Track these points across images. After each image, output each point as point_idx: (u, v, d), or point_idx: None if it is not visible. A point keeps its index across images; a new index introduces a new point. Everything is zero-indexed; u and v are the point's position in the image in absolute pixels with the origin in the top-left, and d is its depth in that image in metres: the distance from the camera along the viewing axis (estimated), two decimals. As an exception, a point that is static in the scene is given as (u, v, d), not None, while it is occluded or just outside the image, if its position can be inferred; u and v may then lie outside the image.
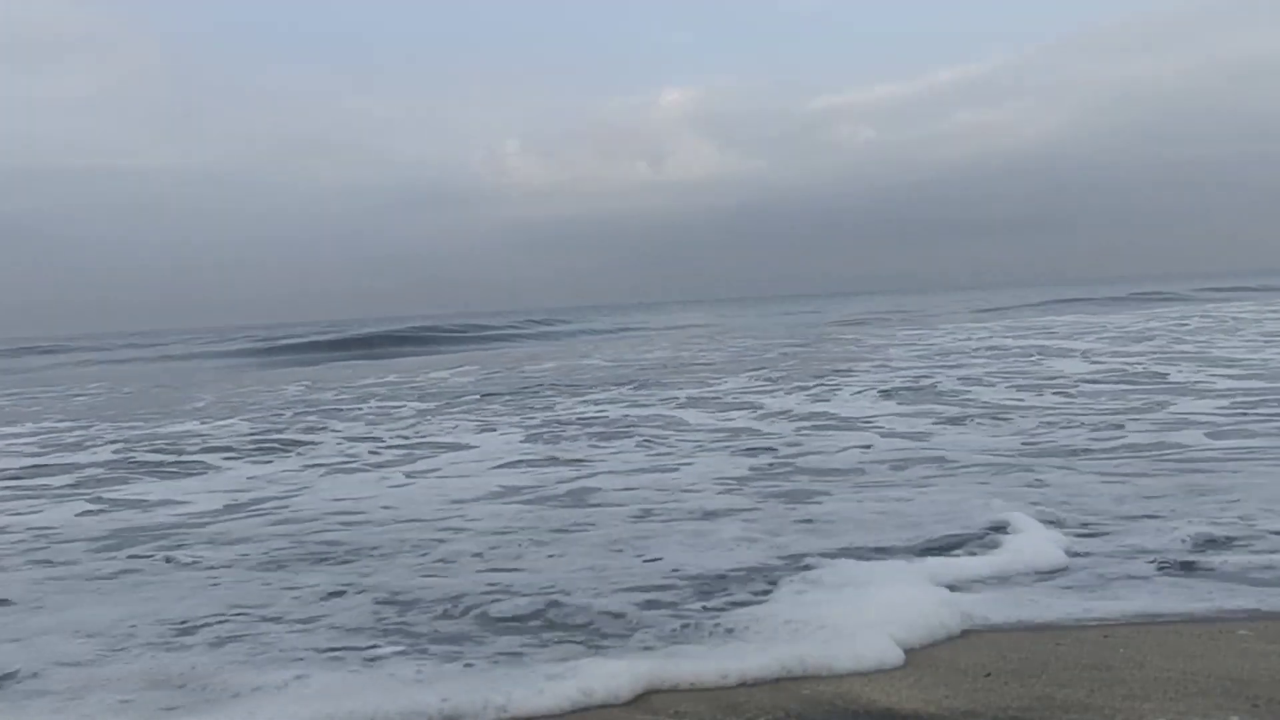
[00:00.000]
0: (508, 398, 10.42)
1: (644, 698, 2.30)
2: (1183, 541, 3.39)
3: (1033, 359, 11.62)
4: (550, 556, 3.70)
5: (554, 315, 48.92)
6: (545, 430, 7.59)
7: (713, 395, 9.50)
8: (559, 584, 3.27)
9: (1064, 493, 4.30)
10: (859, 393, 8.91)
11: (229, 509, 5.13)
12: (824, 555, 3.47)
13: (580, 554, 3.71)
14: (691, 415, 8.03)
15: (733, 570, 3.37)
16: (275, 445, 7.51)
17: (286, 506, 5.09)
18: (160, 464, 6.87)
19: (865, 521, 4.00)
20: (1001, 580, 3.12)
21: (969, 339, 16.56)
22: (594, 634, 2.78)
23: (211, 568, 3.80)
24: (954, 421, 6.86)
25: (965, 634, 2.65)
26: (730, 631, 2.69)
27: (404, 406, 10.17)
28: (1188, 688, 2.16)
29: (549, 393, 10.77)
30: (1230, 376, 8.48)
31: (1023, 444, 5.79)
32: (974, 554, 3.42)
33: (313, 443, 7.55)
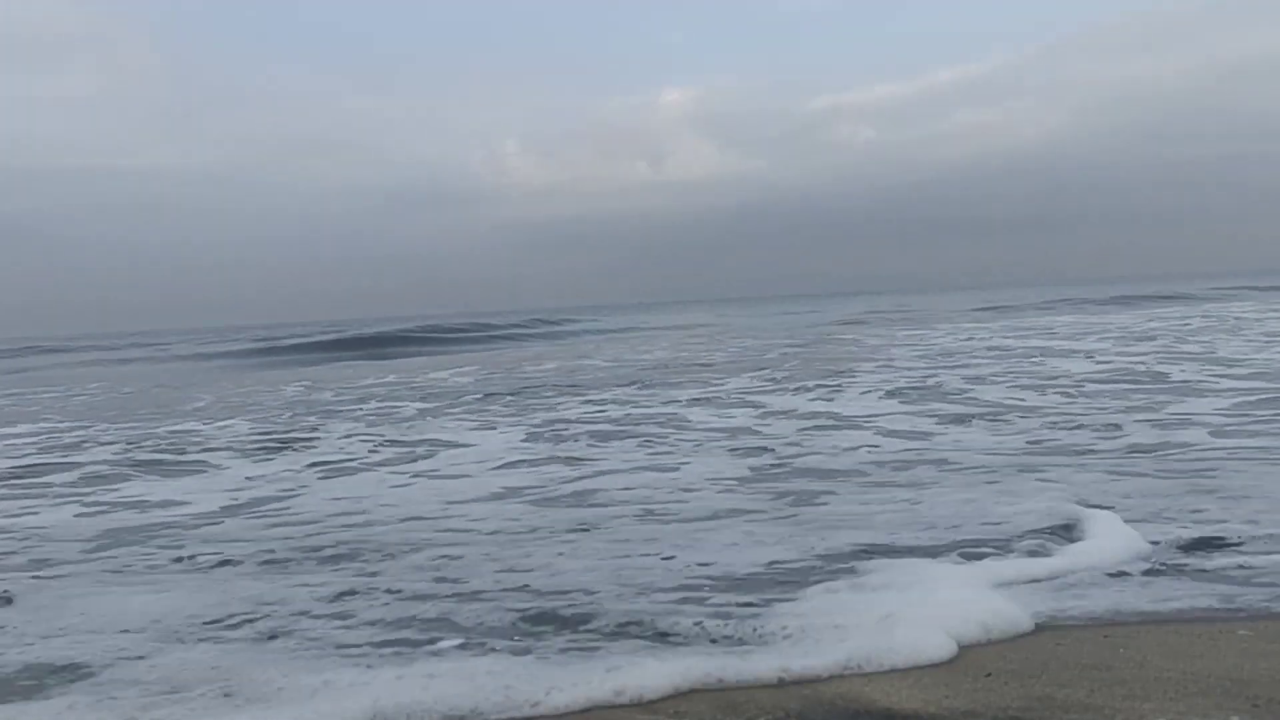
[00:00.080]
0: (508, 398, 10.42)
1: (639, 697, 2.30)
2: (1184, 541, 3.39)
3: (1035, 359, 11.61)
4: (561, 555, 3.69)
5: (554, 315, 48.90)
6: (546, 430, 7.59)
7: (715, 395, 9.50)
8: (580, 583, 3.25)
9: (1067, 493, 4.30)
10: (865, 392, 8.91)
11: (231, 509, 5.13)
12: (851, 554, 3.46)
13: (592, 553, 3.69)
14: (694, 414, 8.03)
15: (755, 569, 3.34)
16: (276, 445, 7.51)
17: (288, 508, 5.09)
18: (161, 463, 6.88)
19: (881, 520, 3.98)
20: (1052, 580, 3.06)
21: (970, 339, 16.55)
22: (627, 632, 2.75)
23: (220, 565, 3.81)
24: (959, 420, 6.87)
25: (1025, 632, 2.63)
26: (769, 630, 2.66)
27: (405, 406, 10.17)
28: (1188, 688, 2.16)
29: (550, 393, 10.77)
30: (1233, 376, 8.48)
31: (1027, 443, 5.79)
32: (1014, 554, 3.38)
33: (313, 443, 7.55)
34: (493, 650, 2.63)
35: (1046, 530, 3.63)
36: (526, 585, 3.28)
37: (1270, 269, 74.50)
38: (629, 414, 8.33)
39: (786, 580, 3.20)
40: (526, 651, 2.61)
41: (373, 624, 2.93)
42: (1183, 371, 9.16)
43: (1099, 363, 10.68)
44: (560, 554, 3.70)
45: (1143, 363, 10.32)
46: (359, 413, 9.77)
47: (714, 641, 2.62)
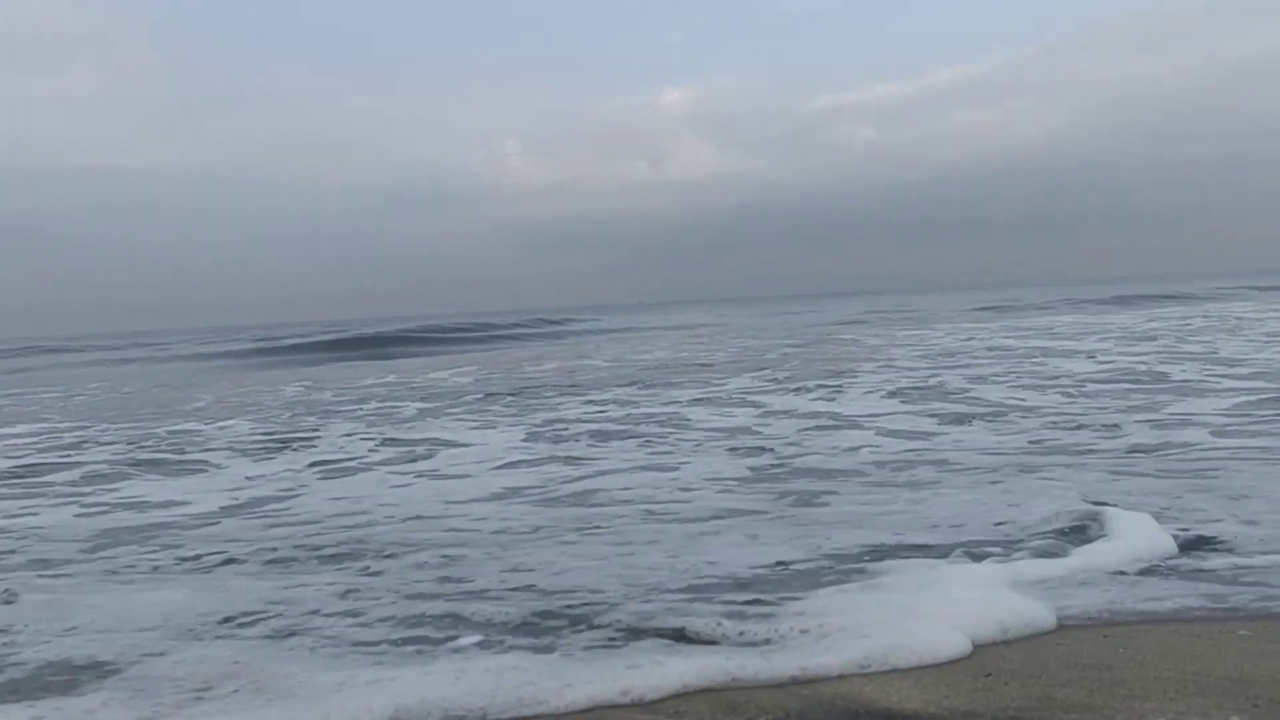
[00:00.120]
0: (509, 398, 10.42)
1: (640, 697, 2.30)
2: (1184, 541, 3.39)
3: (1036, 359, 11.62)
4: (565, 555, 3.68)
5: (554, 315, 48.88)
6: (547, 430, 7.59)
7: (716, 395, 9.50)
8: (586, 583, 3.24)
9: (1069, 492, 4.30)
10: (867, 393, 8.91)
11: (231, 509, 5.14)
12: (860, 554, 3.45)
13: (596, 553, 3.69)
14: (695, 414, 8.03)
15: (763, 569, 3.33)
16: (276, 445, 7.52)
17: (289, 508, 5.10)
18: (161, 463, 6.88)
19: (886, 520, 3.98)
20: (1065, 579, 3.05)
21: (971, 339, 16.56)
22: (643, 631, 2.73)
23: (224, 565, 3.82)
24: (961, 420, 6.87)
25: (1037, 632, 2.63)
26: (783, 631, 2.65)
27: (405, 406, 10.17)
28: (1188, 688, 2.16)
29: (550, 393, 10.77)
30: (1234, 376, 8.48)
31: (1029, 442, 5.79)
32: (1023, 553, 3.36)
33: (314, 443, 7.55)
34: (514, 648, 2.63)
35: (1054, 530, 3.63)
36: (532, 585, 3.27)
37: (1270, 269, 74.51)
38: (629, 414, 8.33)
39: (796, 580, 3.19)
40: (549, 649, 2.61)
41: (384, 621, 2.92)
42: (1183, 371, 9.16)
43: (1100, 363, 10.68)
44: (564, 554, 3.69)
45: (1144, 363, 10.32)
46: (359, 413, 9.78)
47: (731, 642, 2.61)
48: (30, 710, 2.34)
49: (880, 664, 2.39)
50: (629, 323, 41.00)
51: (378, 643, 2.73)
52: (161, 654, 2.71)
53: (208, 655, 2.68)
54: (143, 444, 7.94)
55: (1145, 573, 3.08)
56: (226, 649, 2.73)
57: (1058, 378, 9.28)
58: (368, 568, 3.64)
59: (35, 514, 5.23)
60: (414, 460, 6.48)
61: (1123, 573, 3.09)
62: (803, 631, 2.62)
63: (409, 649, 2.67)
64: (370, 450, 7.01)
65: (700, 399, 9.20)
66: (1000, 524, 3.78)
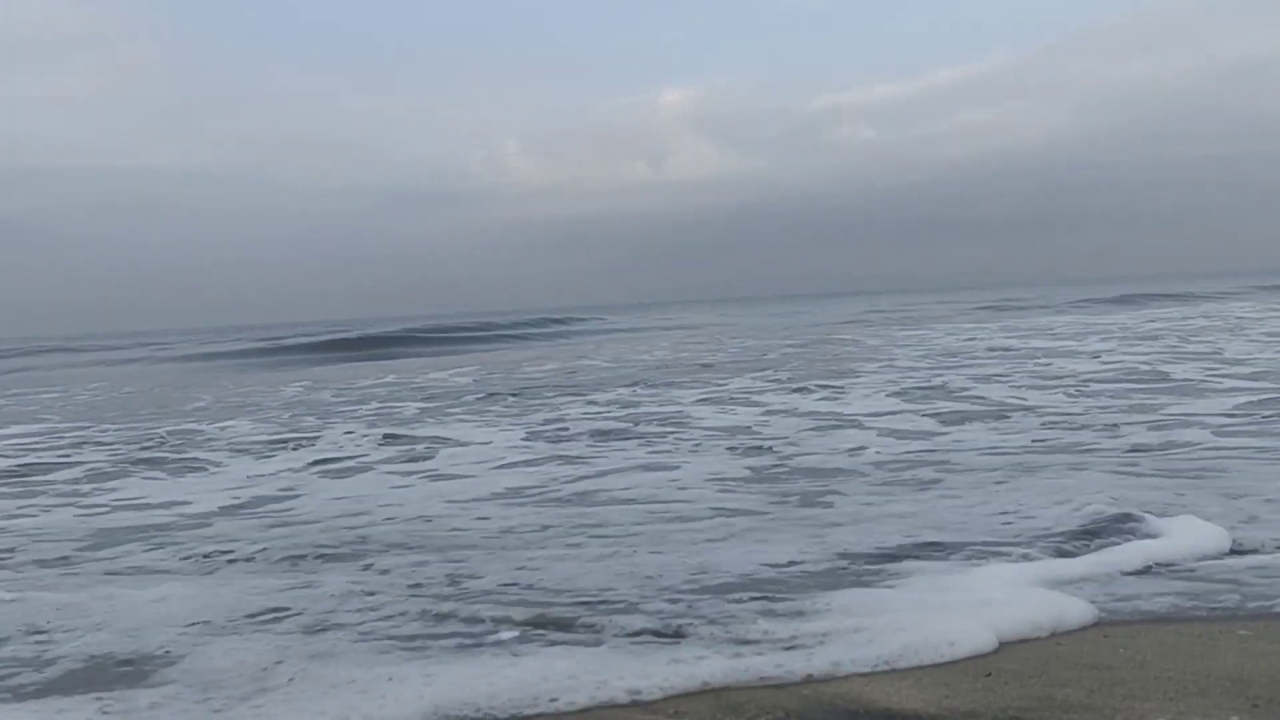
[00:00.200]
0: (509, 398, 10.42)
1: (636, 696, 2.30)
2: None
3: (1037, 359, 11.62)
4: (568, 555, 3.68)
5: (554, 315, 48.86)
6: (547, 430, 7.59)
7: (717, 395, 9.50)
8: (595, 583, 3.23)
9: (1070, 491, 4.30)
10: (868, 394, 8.91)
11: (232, 508, 5.14)
12: (872, 554, 3.45)
13: (597, 553, 3.68)
14: (697, 414, 8.03)
15: (776, 569, 3.32)
16: (277, 444, 7.52)
17: (290, 508, 5.10)
18: (162, 462, 6.88)
19: (895, 520, 3.98)
20: (1087, 577, 3.05)
21: (971, 339, 16.56)
22: (643, 631, 2.72)
23: (231, 564, 3.83)
24: (963, 420, 6.87)
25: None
26: (806, 630, 2.64)
27: (405, 406, 10.18)
28: (1188, 688, 2.17)
29: (550, 393, 10.78)
30: (1235, 376, 8.48)
31: (1031, 441, 5.80)
32: (1036, 553, 3.37)
33: (314, 442, 7.55)
34: (554, 643, 2.63)
35: (1061, 531, 3.62)
36: (533, 585, 3.28)
37: (1270, 269, 74.49)
38: (630, 414, 8.33)
39: (796, 580, 3.19)
40: (598, 643, 2.61)
41: (403, 616, 2.92)
42: (1185, 371, 9.16)
43: (1101, 362, 10.68)
44: (565, 554, 3.69)
45: (1145, 362, 10.32)
46: (360, 412, 9.78)
47: (731, 642, 2.60)
48: (98, 702, 2.34)
49: (899, 663, 2.39)
50: (629, 323, 41.00)
51: (413, 637, 2.73)
52: (201, 646, 2.71)
53: (249, 647, 2.67)
54: (144, 444, 7.94)
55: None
56: (265, 642, 2.72)
57: (1059, 377, 9.28)
58: (373, 565, 3.64)
59: (35, 515, 5.24)
60: (414, 460, 6.49)
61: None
62: (823, 630, 2.62)
63: (451, 644, 2.66)
64: (371, 450, 7.02)
65: (703, 399, 9.20)
66: (1007, 524, 3.78)
